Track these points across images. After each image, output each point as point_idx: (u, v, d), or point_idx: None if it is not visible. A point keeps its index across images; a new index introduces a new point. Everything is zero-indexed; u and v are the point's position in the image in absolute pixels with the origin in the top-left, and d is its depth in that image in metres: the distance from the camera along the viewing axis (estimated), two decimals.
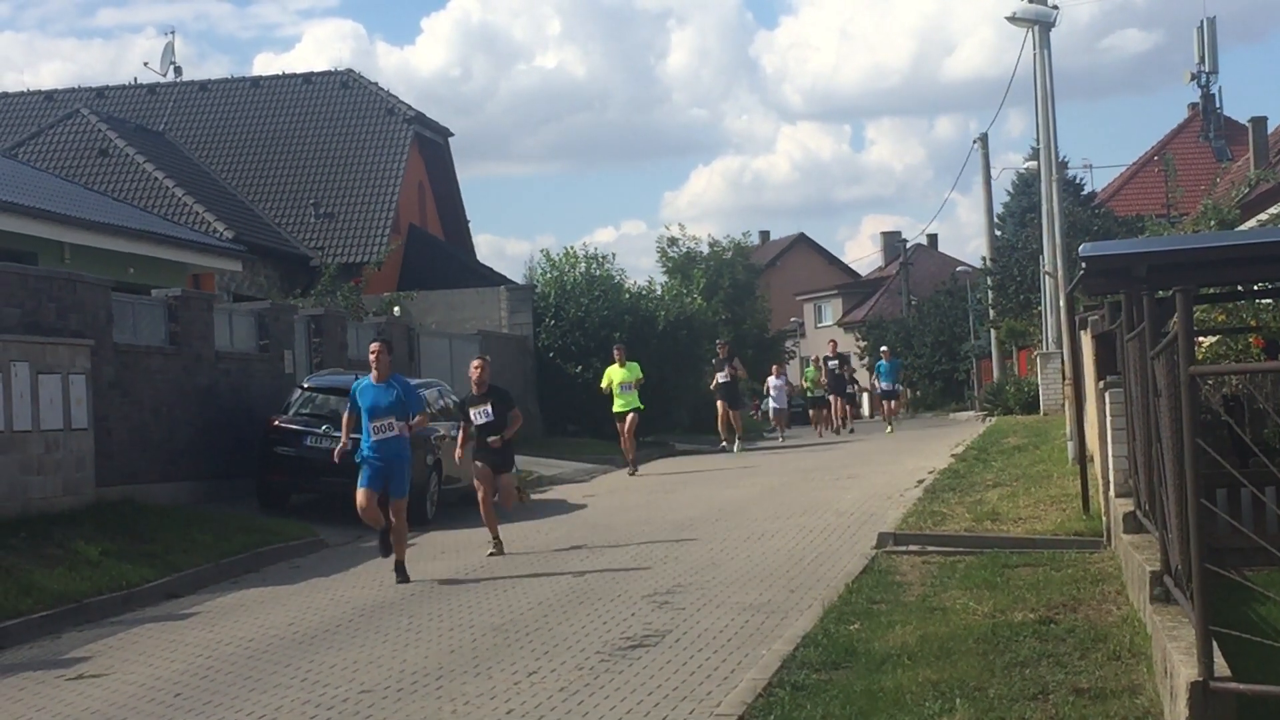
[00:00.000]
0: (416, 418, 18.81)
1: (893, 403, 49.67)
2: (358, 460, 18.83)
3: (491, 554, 20.08)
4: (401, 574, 18.39)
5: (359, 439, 19.02)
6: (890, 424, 47.62)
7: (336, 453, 19.38)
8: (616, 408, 33.81)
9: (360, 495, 18.79)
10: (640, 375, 33.89)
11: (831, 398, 48.70)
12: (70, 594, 17.30)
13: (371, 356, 19.05)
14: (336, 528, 23.88)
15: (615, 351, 34.76)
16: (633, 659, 12.66)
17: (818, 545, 18.79)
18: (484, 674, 12.53)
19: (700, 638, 13.41)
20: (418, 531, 23.44)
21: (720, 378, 37.54)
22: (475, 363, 20.84)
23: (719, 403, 37.98)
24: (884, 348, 53.44)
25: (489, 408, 20.29)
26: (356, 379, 26.40)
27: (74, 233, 31.26)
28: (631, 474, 32.66)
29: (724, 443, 38.58)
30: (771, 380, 48.34)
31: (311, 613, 16.56)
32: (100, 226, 32.30)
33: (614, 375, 33.83)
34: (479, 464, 20.65)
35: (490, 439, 20.21)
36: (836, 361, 48.97)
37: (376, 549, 19.38)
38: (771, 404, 49.02)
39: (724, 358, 37.87)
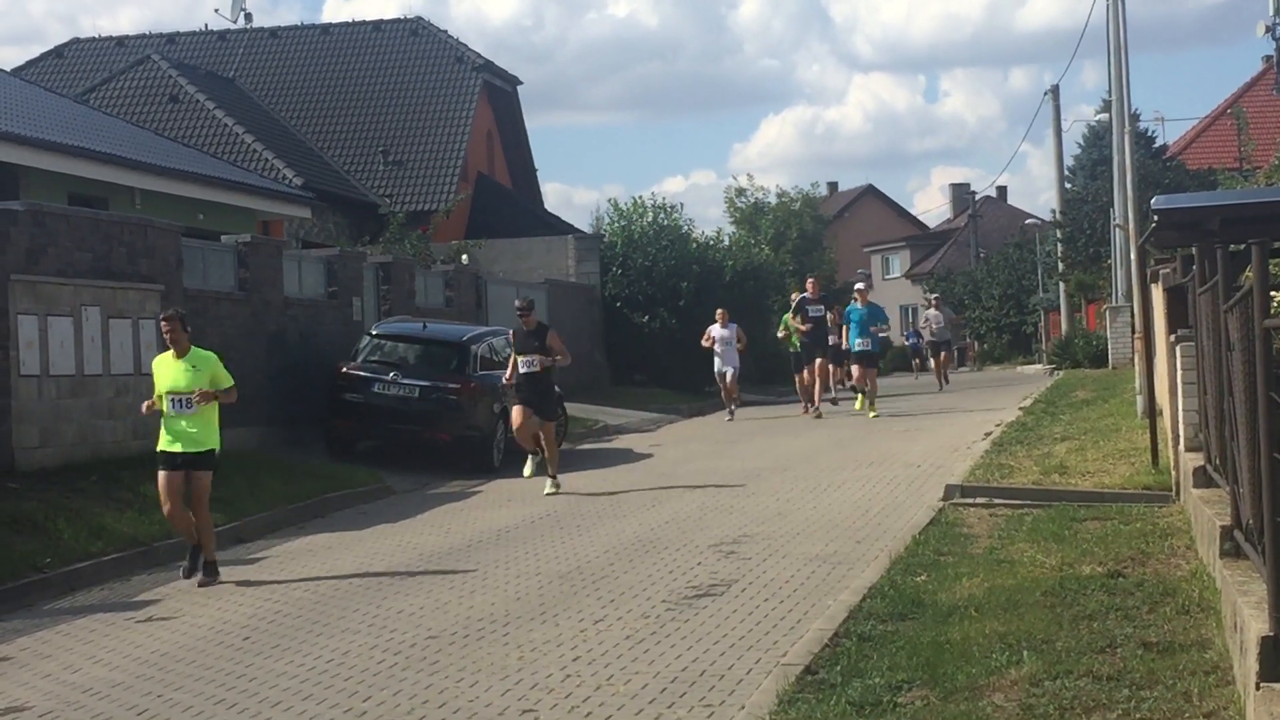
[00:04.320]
0: None
1: (862, 368, 32.58)
2: None
3: None
4: None
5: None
6: (871, 402, 32.31)
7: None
8: (164, 444, 16.05)
9: None
10: (227, 378, 16.52)
11: (820, 359, 32.93)
12: (140, 537, 17.43)
13: None
14: (403, 474, 23.99)
15: (162, 325, 16.67)
16: (699, 608, 12.68)
17: (884, 497, 18.76)
18: (550, 621, 12.57)
19: (766, 587, 13.41)
20: (483, 479, 23.55)
21: (522, 366, 22.07)
22: None
23: (515, 408, 22.14)
24: (859, 285, 35.64)
25: None
26: (424, 326, 26.69)
27: (145, 178, 31.39)
28: (202, 582, 15.88)
29: (529, 463, 22.67)
30: (715, 330, 34.08)
31: (378, 558, 16.65)
32: (171, 172, 32.43)
33: (161, 375, 16.23)
34: None
35: None
36: (821, 308, 33.12)
37: (444, 496, 19.16)
38: (717, 365, 34.33)
39: (530, 329, 22.23)
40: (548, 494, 21.35)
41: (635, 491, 21.19)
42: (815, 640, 10.86)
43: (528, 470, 22.48)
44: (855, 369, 32.68)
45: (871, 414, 31.37)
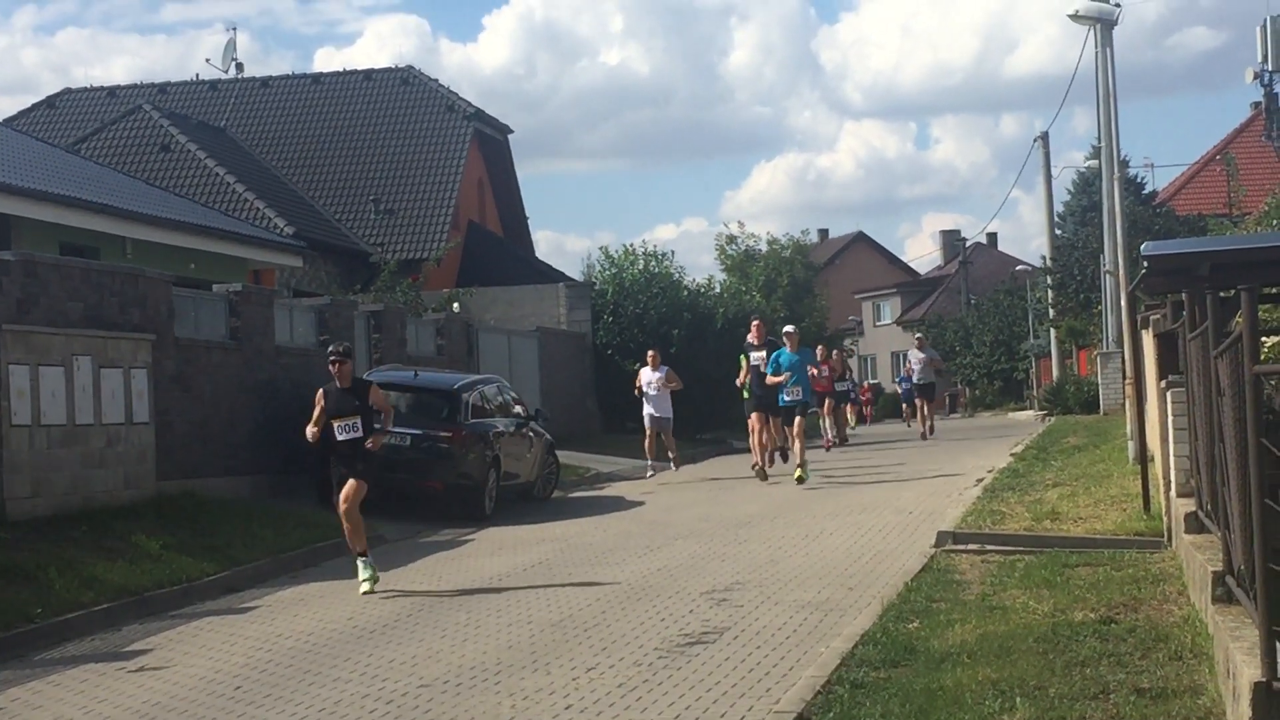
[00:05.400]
0: None
1: (796, 421, 27.33)
2: None
3: None
4: None
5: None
6: (800, 462, 26.96)
7: None
8: None
9: None
10: None
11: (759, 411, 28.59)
12: (131, 587, 17.39)
13: None
14: (395, 523, 23.93)
15: None
16: (691, 656, 12.66)
17: (876, 543, 18.76)
18: (542, 669, 12.55)
19: (759, 635, 13.40)
20: (475, 527, 23.52)
21: (340, 432, 17.76)
22: None
23: (354, 482, 17.86)
24: (788, 327, 29.64)
25: None
26: (415, 374, 26.69)
27: (136, 228, 31.42)
28: None
29: (361, 567, 17.81)
30: (646, 374, 32.18)
31: (370, 607, 16.61)
32: (162, 222, 32.48)
33: None
34: None
35: None
36: (762, 355, 28.58)
37: (436, 545, 19.08)
38: (646, 411, 32.27)
39: (345, 387, 17.91)
40: (364, 593, 17.38)
41: (627, 539, 21.16)
42: (808, 688, 10.85)
43: (365, 584, 17.55)
44: (787, 421, 27.91)
45: (797, 474, 26.80)
